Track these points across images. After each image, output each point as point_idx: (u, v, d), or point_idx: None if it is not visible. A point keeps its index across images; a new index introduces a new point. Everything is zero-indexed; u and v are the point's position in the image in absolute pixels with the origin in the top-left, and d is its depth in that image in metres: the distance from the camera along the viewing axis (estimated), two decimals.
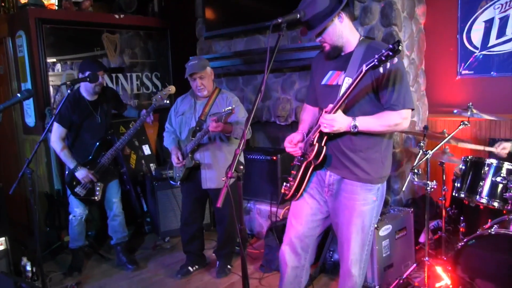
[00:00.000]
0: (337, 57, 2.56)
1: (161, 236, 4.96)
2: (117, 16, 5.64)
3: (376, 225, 3.49)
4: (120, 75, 5.68)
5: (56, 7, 5.29)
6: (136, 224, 5.31)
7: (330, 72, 2.59)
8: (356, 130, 2.39)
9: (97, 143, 4.09)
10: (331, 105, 2.39)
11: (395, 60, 2.16)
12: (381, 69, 2.18)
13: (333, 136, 2.50)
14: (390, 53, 2.10)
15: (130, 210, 5.21)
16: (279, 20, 2.31)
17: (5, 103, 2.56)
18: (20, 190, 5.20)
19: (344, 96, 2.31)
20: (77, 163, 4.00)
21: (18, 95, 2.78)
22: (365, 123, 2.40)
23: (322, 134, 2.50)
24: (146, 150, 5.55)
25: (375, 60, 2.15)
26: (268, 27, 2.29)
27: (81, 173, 3.99)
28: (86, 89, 4.06)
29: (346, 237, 2.61)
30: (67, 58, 5.25)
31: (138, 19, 5.88)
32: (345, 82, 2.43)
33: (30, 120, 5.18)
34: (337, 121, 2.37)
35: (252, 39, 5.12)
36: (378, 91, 2.43)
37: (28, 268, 4.01)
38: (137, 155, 5.44)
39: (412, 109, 2.46)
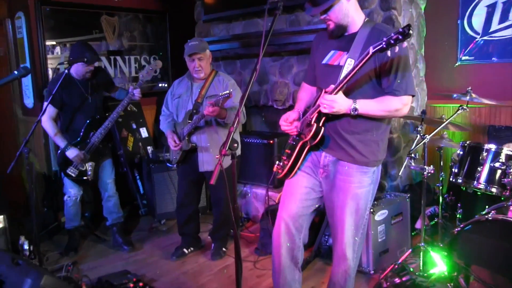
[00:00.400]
0: (340, 36, 2.52)
1: (157, 218, 4.97)
2: None
3: (371, 210, 3.49)
4: (118, 58, 5.65)
5: None
6: (132, 206, 5.32)
7: (332, 52, 2.55)
8: (356, 113, 2.35)
9: (87, 122, 4.08)
10: (332, 86, 2.35)
11: (405, 44, 2.14)
12: (389, 53, 2.15)
13: (331, 117, 2.47)
14: (400, 37, 2.05)
15: (127, 192, 5.22)
16: None
17: (2, 80, 2.54)
18: (18, 170, 5.22)
19: (347, 78, 2.27)
20: (67, 142, 4.00)
21: (15, 72, 2.77)
22: (365, 106, 2.37)
23: (320, 114, 2.46)
24: (144, 132, 5.54)
25: (383, 43, 2.11)
26: (268, 10, 2.27)
27: (72, 152, 3.98)
28: (76, 71, 4.03)
29: (340, 220, 2.58)
30: (66, 40, 5.21)
31: (137, 2, 5.84)
32: (347, 63, 2.40)
33: (29, 101, 5.17)
34: (338, 102, 2.32)
35: (251, 23, 5.08)
36: (381, 76, 2.41)
37: (26, 247, 4.01)
38: (134, 137, 5.43)
39: (413, 96, 2.44)
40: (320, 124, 2.47)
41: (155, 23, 6.04)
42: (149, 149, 5.46)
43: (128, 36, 5.76)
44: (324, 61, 2.58)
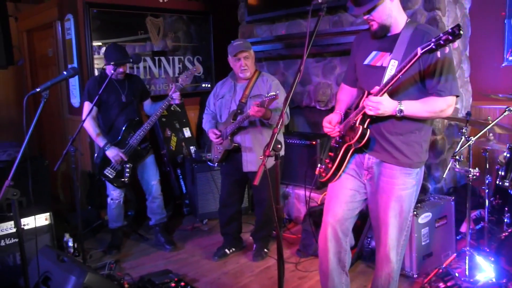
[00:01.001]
0: (382, 37, 2.51)
1: (199, 218, 5.04)
2: (161, 0, 5.71)
3: (415, 212, 3.44)
4: (162, 58, 5.76)
5: None
6: (175, 205, 5.41)
7: (374, 53, 2.54)
8: (401, 114, 2.34)
9: (126, 124, 4.15)
10: (377, 87, 2.35)
11: (456, 45, 2.10)
12: (438, 54, 2.13)
13: (375, 119, 2.46)
14: (450, 37, 2.01)
15: (169, 191, 5.32)
16: (319, 1, 2.31)
17: (52, 80, 2.64)
18: (65, 168, 5.40)
19: (393, 80, 2.25)
20: (107, 141, 4.06)
21: (64, 72, 2.86)
22: (411, 107, 2.35)
23: (364, 116, 2.45)
24: (187, 132, 5.63)
25: (432, 44, 2.07)
26: (311, 11, 2.29)
27: (112, 152, 4.04)
28: (109, 72, 4.09)
29: (384, 222, 2.57)
30: (112, 41, 5.34)
31: (181, 3, 5.93)
32: (391, 64, 2.39)
33: (75, 101, 5.34)
34: (383, 104, 2.31)
35: (294, 23, 5.09)
36: (426, 77, 2.39)
37: (70, 244, 4.15)
38: (177, 137, 5.52)
39: (457, 96, 2.41)
40: (365, 126, 2.46)
41: (198, 23, 6.13)
42: (192, 149, 5.55)
43: (172, 36, 5.87)
44: (366, 62, 2.57)
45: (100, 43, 5.26)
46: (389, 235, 2.57)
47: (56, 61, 5.65)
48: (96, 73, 5.16)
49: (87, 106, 4.10)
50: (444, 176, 3.78)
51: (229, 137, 3.84)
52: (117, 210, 4.34)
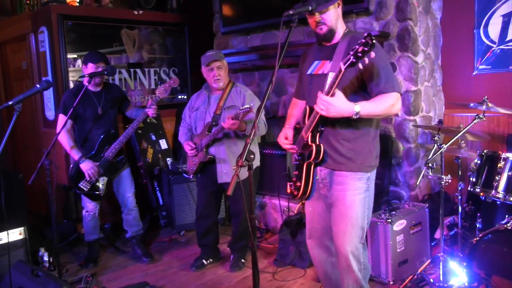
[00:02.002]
0: (327, 41, 2.59)
1: (176, 229, 5.01)
2: (136, 12, 5.70)
3: (389, 220, 3.48)
4: (138, 70, 5.75)
5: (78, 4, 5.39)
6: (152, 217, 5.38)
7: (316, 62, 2.64)
8: (357, 116, 2.33)
9: (101, 137, 4.11)
10: (320, 92, 2.38)
11: (372, 54, 2.14)
12: (360, 66, 2.18)
13: (322, 131, 2.54)
14: (366, 48, 2.09)
15: (146, 203, 5.29)
16: (290, 12, 2.36)
17: (25, 93, 2.63)
18: (39, 181, 5.32)
19: (334, 86, 2.28)
20: (82, 154, 4.02)
21: (37, 85, 2.85)
22: (367, 107, 2.35)
23: (314, 132, 2.52)
24: (163, 144, 5.61)
25: (352, 58, 2.15)
26: (284, 22, 2.34)
27: (86, 165, 3.98)
28: (88, 80, 4.06)
29: (341, 230, 2.59)
30: (86, 53, 5.33)
31: (157, 15, 5.94)
32: (329, 77, 2.46)
33: (50, 113, 5.28)
34: (335, 105, 2.29)
35: (269, 35, 5.14)
36: (365, 82, 2.46)
37: (46, 258, 4.10)
38: (154, 149, 5.50)
39: (401, 94, 2.47)
40: (318, 142, 2.54)
41: (174, 35, 6.13)
42: (169, 160, 5.52)
43: (148, 48, 5.87)
44: (309, 72, 2.67)
45: (75, 56, 5.22)
46: (347, 244, 2.58)
47: (30, 74, 5.59)
48: (71, 85, 5.12)
49: (61, 118, 4.05)
50: (418, 183, 3.84)
51: (204, 149, 3.85)
52: (92, 222, 4.29)
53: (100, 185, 4.12)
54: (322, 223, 2.75)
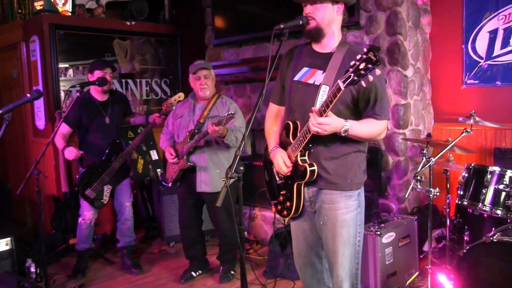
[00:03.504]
0: (314, 54, 2.50)
1: (166, 241, 4.99)
2: (128, 23, 5.73)
3: (378, 232, 3.50)
4: (130, 81, 5.76)
5: (70, 14, 5.40)
6: (141, 228, 5.35)
7: (306, 69, 2.50)
8: (345, 134, 2.28)
9: (109, 147, 4.16)
10: (314, 108, 2.26)
11: (378, 72, 2.01)
12: (363, 83, 2.02)
13: (311, 149, 2.43)
14: (369, 65, 1.95)
15: (137, 214, 5.25)
16: (281, 26, 2.33)
17: (15, 103, 2.63)
18: (27, 191, 5.29)
19: (331, 106, 2.16)
20: (67, 144, 4.05)
21: (28, 95, 2.85)
22: (355, 128, 2.30)
23: (303, 152, 2.40)
24: (154, 155, 5.60)
25: (352, 75, 2.01)
26: (275, 35, 2.30)
27: (69, 151, 4.02)
28: (95, 89, 4.17)
29: (334, 251, 2.51)
30: (78, 63, 5.34)
31: (149, 26, 5.97)
32: (322, 90, 2.37)
33: (40, 123, 5.27)
34: (331, 125, 2.22)
35: (260, 47, 5.18)
36: (360, 101, 2.38)
37: (32, 269, 4.06)
38: (144, 160, 5.49)
39: (388, 120, 2.45)
40: (309, 162, 2.42)
41: (166, 46, 6.16)
42: (159, 171, 5.51)
43: (139, 59, 5.89)
44: (296, 78, 2.51)
45: (66, 65, 5.23)
46: (339, 265, 2.51)
47: (20, 82, 5.57)
48: (62, 95, 5.12)
49: (61, 125, 4.07)
50: (407, 196, 3.85)
51: (185, 156, 3.84)
52: (87, 231, 4.27)
53: (105, 194, 4.15)
54: (308, 240, 2.67)
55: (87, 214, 4.22)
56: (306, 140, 2.34)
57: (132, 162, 5.37)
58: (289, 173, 2.48)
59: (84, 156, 4.16)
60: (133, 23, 5.76)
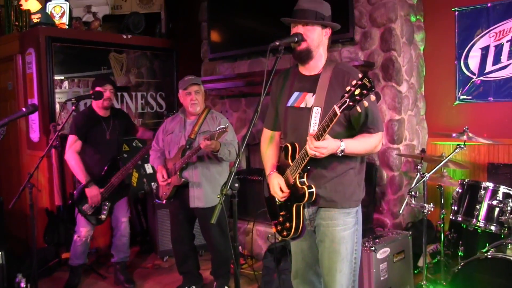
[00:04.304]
0: (302, 77, 2.55)
1: (160, 255, 4.96)
2: (124, 37, 5.76)
3: (373, 248, 3.50)
4: (125, 94, 5.77)
5: (67, 26, 5.42)
6: (135, 242, 5.30)
7: (296, 94, 2.55)
8: (342, 154, 2.31)
9: (109, 163, 4.15)
10: (311, 133, 2.31)
11: (373, 98, 2.07)
12: (358, 109, 2.08)
13: (309, 170, 2.45)
14: (364, 91, 2.01)
15: (131, 228, 5.22)
16: (277, 43, 2.37)
17: (9, 117, 2.62)
18: (21, 204, 5.25)
19: (328, 130, 2.20)
20: (90, 179, 4.03)
21: (23, 109, 2.85)
22: (351, 146, 2.34)
23: (301, 174, 2.43)
24: (148, 168, 5.58)
25: (348, 101, 2.06)
26: (271, 50, 2.34)
27: (91, 191, 4.02)
28: (96, 105, 4.17)
29: (331, 268, 2.52)
30: (74, 76, 5.35)
31: (145, 39, 6.00)
32: (315, 112, 2.40)
33: (35, 135, 5.25)
34: (328, 148, 2.26)
35: (255, 61, 5.21)
36: (352, 119, 2.41)
37: (23, 284, 3.94)
38: (139, 173, 5.48)
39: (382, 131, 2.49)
40: (307, 184, 2.44)
41: (162, 60, 6.18)
42: (153, 185, 5.46)
43: (135, 72, 5.90)
44: (289, 104, 2.57)
45: (62, 77, 5.24)
46: (337, 282, 2.51)
47: (15, 94, 5.56)
48: (58, 107, 5.12)
49: (72, 139, 4.07)
50: (401, 212, 3.87)
51: (177, 173, 3.83)
52: (82, 247, 4.23)
53: (103, 210, 4.13)
54: (306, 259, 2.69)
55: (82, 230, 4.18)
56: (304, 163, 2.37)
57: (127, 176, 5.33)
58: (284, 199, 2.51)
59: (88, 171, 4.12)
60: (129, 36, 5.78)
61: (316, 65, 2.51)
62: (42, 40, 5.08)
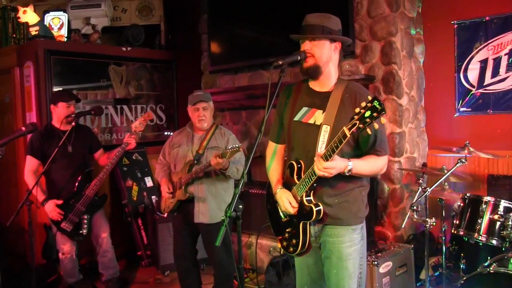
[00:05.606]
0: (312, 93, 2.54)
1: (160, 269, 4.92)
2: (124, 49, 5.76)
3: (376, 262, 3.50)
4: (125, 107, 5.76)
5: (66, 39, 5.41)
6: (136, 257, 5.27)
7: (305, 109, 2.54)
8: (349, 173, 2.32)
9: (80, 176, 4.09)
10: (319, 152, 2.30)
11: (383, 120, 2.08)
12: (368, 131, 2.10)
13: (315, 188, 2.45)
14: (374, 114, 2.01)
15: (131, 242, 5.21)
16: (280, 62, 2.36)
17: (9, 137, 2.61)
18: (19, 220, 5.20)
19: (337, 151, 2.20)
20: (46, 196, 3.98)
21: (23, 128, 2.83)
22: (358, 167, 2.35)
23: (308, 192, 2.43)
24: (148, 182, 5.54)
25: (358, 123, 2.06)
26: (271, 63, 2.33)
27: (48, 207, 3.96)
28: (57, 119, 4.09)
29: (338, 284, 2.52)
30: (73, 88, 5.30)
31: (145, 51, 5.99)
32: (323, 130, 2.40)
33: None
34: (337, 168, 2.27)
35: (256, 74, 5.22)
36: (360, 140, 2.41)
37: None
38: (139, 187, 5.43)
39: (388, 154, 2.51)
40: (315, 202, 2.44)
41: (162, 72, 6.18)
42: (154, 198, 5.44)
43: (135, 84, 5.89)
44: (296, 118, 2.55)
45: (61, 90, 5.20)
46: None
47: (13, 108, 5.52)
48: None
49: (29, 160, 4.03)
50: (403, 226, 3.89)
51: (182, 187, 3.81)
52: (70, 264, 4.17)
53: (83, 224, 4.05)
54: (312, 275, 2.69)
55: (64, 247, 4.12)
56: (312, 182, 2.38)
57: (127, 189, 5.33)
58: (295, 213, 2.50)
59: (49, 186, 4.08)
60: (129, 48, 5.78)
61: (327, 82, 2.51)
62: (40, 53, 5.05)
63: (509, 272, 2.94)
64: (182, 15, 6.39)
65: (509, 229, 3.28)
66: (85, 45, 5.53)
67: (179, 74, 6.31)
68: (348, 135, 2.11)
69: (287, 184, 2.59)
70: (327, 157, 2.23)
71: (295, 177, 2.50)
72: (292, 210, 2.48)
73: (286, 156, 2.73)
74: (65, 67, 5.26)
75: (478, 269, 3.12)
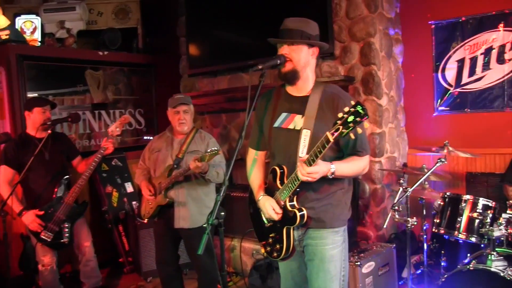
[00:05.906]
0: (290, 98, 2.54)
1: (143, 276, 4.86)
2: (100, 53, 5.65)
3: (358, 263, 3.51)
4: (103, 112, 5.66)
5: (39, 43, 5.29)
6: (118, 264, 5.19)
7: (284, 115, 2.54)
8: (332, 176, 2.34)
9: (59, 183, 3.99)
10: (301, 158, 2.30)
11: (366, 124, 2.11)
12: (352, 135, 2.08)
13: (298, 192, 2.45)
14: (357, 119, 2.01)
15: (112, 249, 5.14)
16: (259, 67, 2.35)
17: None
18: None
19: (320, 156, 2.19)
20: (23, 208, 3.87)
21: None
22: (341, 169, 2.37)
23: (291, 197, 2.43)
24: (129, 187, 5.46)
25: (341, 128, 2.06)
26: (250, 66, 2.31)
27: (27, 218, 3.84)
28: (33, 126, 3.98)
29: (320, 287, 2.52)
30: (49, 93, 5.19)
31: (122, 55, 5.89)
32: (304, 134, 2.39)
33: None
34: (320, 172, 2.27)
35: (236, 77, 5.20)
36: (341, 142, 2.40)
37: None
38: (119, 192, 5.34)
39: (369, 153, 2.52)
40: (297, 206, 2.44)
41: (140, 76, 6.09)
42: (135, 204, 5.34)
43: (113, 89, 5.80)
44: (276, 124, 2.55)
45: (36, 95, 5.08)
46: None
47: None
48: None
49: (3, 170, 3.92)
50: (385, 226, 3.91)
51: (162, 192, 3.77)
52: (50, 276, 4.04)
53: (65, 233, 3.95)
54: (295, 279, 2.70)
55: (44, 259, 4.00)
56: (295, 187, 2.37)
57: (107, 196, 5.24)
58: (279, 219, 2.49)
59: (26, 195, 3.99)
60: (105, 52, 5.68)
61: (304, 86, 2.50)
62: (12, 58, 4.89)
63: (488, 268, 3.00)
64: (159, 18, 6.31)
65: (487, 227, 3.33)
66: (60, 49, 5.40)
67: (158, 78, 6.23)
68: (332, 140, 2.11)
69: (270, 189, 2.58)
70: (310, 162, 2.23)
71: (278, 182, 2.49)
72: (276, 217, 2.47)
73: (268, 164, 2.71)
74: (40, 72, 5.13)
75: (458, 266, 3.18)
